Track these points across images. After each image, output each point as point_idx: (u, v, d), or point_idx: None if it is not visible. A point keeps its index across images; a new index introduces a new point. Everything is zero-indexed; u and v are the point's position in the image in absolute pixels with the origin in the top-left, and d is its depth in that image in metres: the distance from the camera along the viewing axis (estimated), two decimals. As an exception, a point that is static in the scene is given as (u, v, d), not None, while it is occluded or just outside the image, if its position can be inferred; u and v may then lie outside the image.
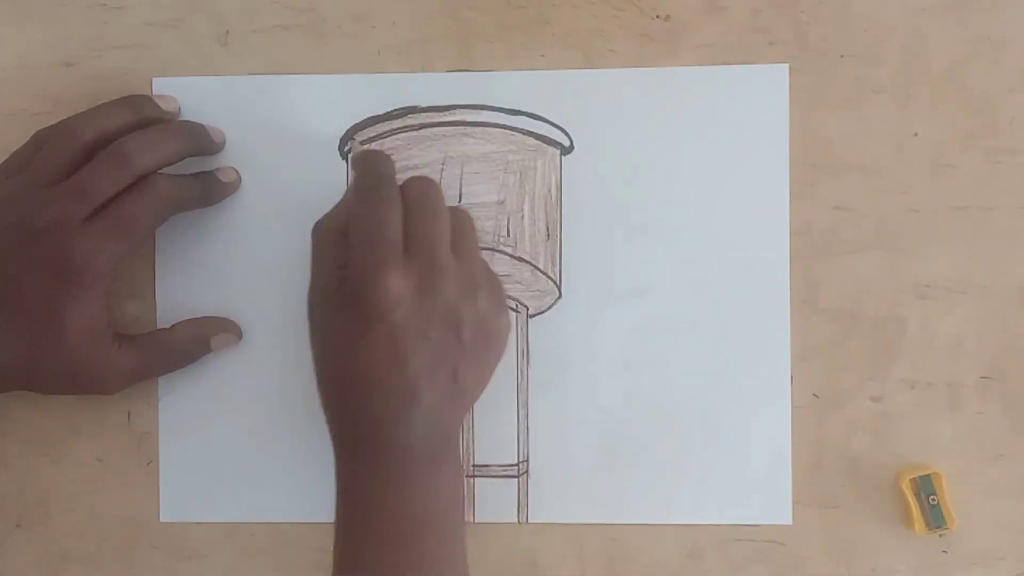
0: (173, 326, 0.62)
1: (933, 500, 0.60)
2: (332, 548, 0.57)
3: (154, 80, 0.63)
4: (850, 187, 0.61)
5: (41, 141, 0.59)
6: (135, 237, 0.59)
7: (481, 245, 0.61)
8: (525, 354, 0.62)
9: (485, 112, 0.62)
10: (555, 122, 0.62)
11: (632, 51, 0.62)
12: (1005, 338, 0.61)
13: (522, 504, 0.63)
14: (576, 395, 0.62)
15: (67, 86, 0.63)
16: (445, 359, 0.55)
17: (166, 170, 0.60)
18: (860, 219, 0.61)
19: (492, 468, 0.62)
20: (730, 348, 0.62)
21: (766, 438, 0.62)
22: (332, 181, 0.63)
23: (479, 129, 0.62)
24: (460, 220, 0.58)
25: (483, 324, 0.56)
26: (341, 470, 0.57)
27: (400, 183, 0.58)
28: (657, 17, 0.62)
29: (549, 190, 0.62)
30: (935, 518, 0.60)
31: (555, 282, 0.62)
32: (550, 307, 0.62)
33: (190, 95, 0.63)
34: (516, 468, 0.63)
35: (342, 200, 0.59)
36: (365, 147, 0.62)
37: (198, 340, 0.62)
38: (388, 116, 0.63)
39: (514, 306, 0.62)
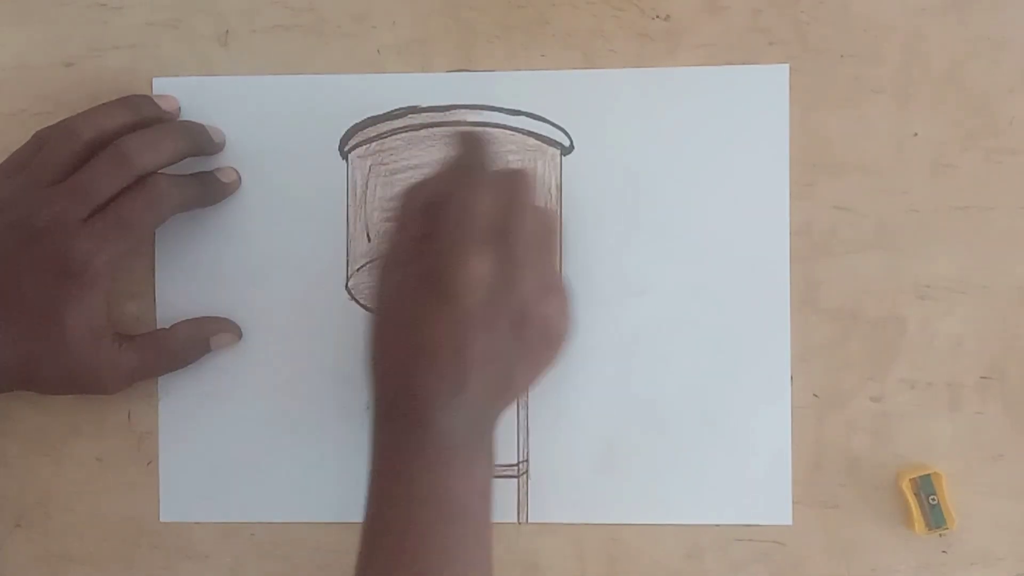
0: (173, 326, 0.62)
1: (933, 500, 0.60)
2: (361, 525, 0.56)
3: (154, 80, 0.63)
4: (850, 187, 0.61)
5: (41, 141, 0.59)
6: (135, 237, 0.59)
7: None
8: (525, 354, 0.62)
9: (485, 112, 0.62)
10: (555, 122, 0.62)
11: (632, 51, 0.62)
12: (1005, 338, 0.61)
13: (522, 504, 0.63)
14: (576, 395, 0.62)
15: (67, 86, 0.63)
16: (502, 353, 0.55)
17: (166, 170, 0.60)
18: (860, 219, 0.61)
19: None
20: (730, 348, 0.62)
21: (766, 438, 0.62)
22: (332, 181, 0.63)
23: (479, 129, 0.62)
24: (549, 220, 0.58)
25: (547, 327, 0.56)
26: (378, 448, 0.57)
27: (499, 170, 0.57)
28: (657, 17, 0.62)
29: (549, 190, 0.62)
30: (935, 518, 0.60)
31: (555, 282, 0.62)
32: (550, 307, 0.62)
33: (190, 95, 0.63)
34: (516, 468, 0.63)
35: (436, 174, 0.58)
36: (470, 128, 0.61)
37: (198, 340, 0.62)
38: (388, 116, 0.63)
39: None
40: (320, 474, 0.63)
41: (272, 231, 0.63)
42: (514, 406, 0.62)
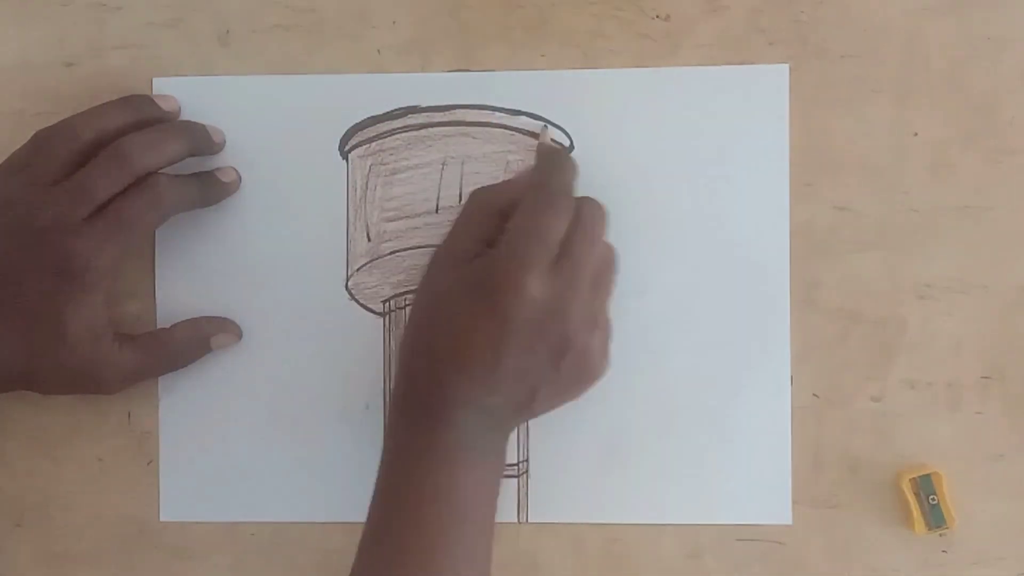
0: (173, 326, 0.62)
1: (933, 500, 0.60)
2: (367, 513, 0.57)
3: (154, 80, 0.63)
4: (850, 187, 0.61)
5: (41, 141, 0.59)
6: (135, 237, 0.59)
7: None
8: (525, 354, 0.62)
9: (485, 112, 0.62)
10: (555, 122, 0.62)
11: (632, 51, 0.62)
12: (1005, 338, 0.61)
13: (522, 504, 0.63)
14: (576, 395, 0.62)
15: (67, 86, 0.63)
16: (534, 375, 0.55)
17: (166, 170, 0.60)
18: (860, 219, 0.61)
19: (492, 468, 0.62)
20: (730, 348, 0.62)
21: (766, 438, 0.62)
22: (332, 181, 0.63)
23: (479, 129, 0.62)
24: (609, 256, 0.58)
25: (585, 361, 0.56)
26: (394, 441, 0.57)
27: (578, 197, 0.58)
28: (657, 17, 0.62)
29: (549, 190, 0.62)
30: (935, 518, 0.60)
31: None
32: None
33: (190, 95, 0.63)
34: (516, 468, 0.63)
35: (514, 180, 0.59)
36: (554, 143, 0.61)
37: (198, 340, 0.62)
38: (388, 116, 0.63)
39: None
40: (320, 474, 0.63)
41: (272, 231, 0.63)
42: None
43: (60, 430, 0.64)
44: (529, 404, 0.56)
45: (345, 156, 0.63)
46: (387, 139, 0.63)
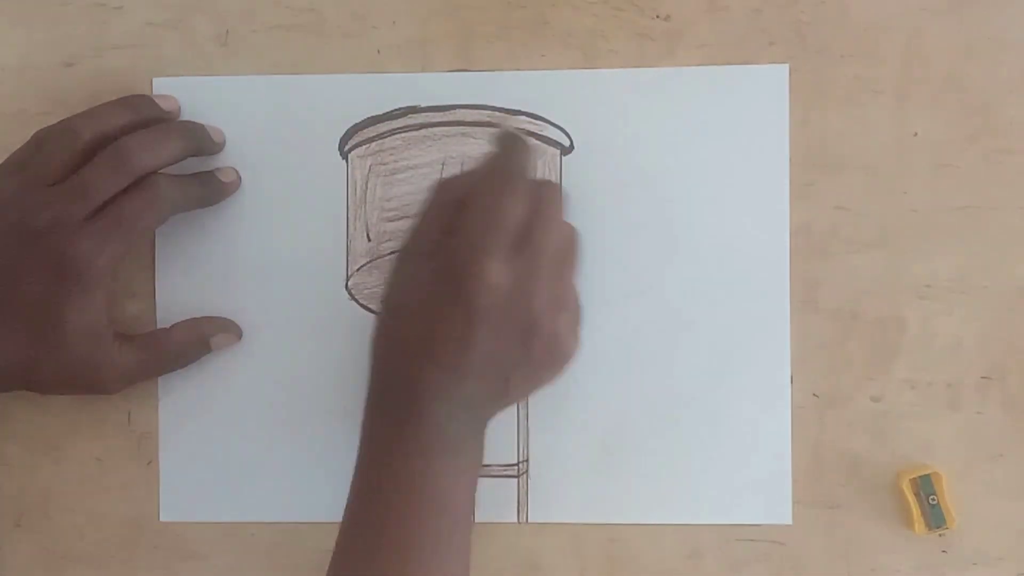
0: (173, 326, 0.62)
1: (933, 500, 0.60)
2: (344, 511, 0.57)
3: (154, 80, 0.63)
4: (850, 187, 0.61)
5: (41, 141, 0.59)
6: (135, 237, 0.59)
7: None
8: (525, 354, 0.62)
9: (485, 112, 0.62)
10: (555, 122, 0.62)
11: (632, 51, 0.62)
12: (1005, 338, 0.61)
13: (522, 504, 0.63)
14: (576, 395, 0.62)
15: (67, 86, 0.63)
16: (504, 360, 0.55)
17: (166, 170, 0.60)
18: (860, 219, 0.61)
19: (492, 468, 0.62)
20: (730, 348, 0.62)
21: (766, 438, 0.62)
22: (332, 181, 0.63)
23: (479, 129, 0.62)
24: (571, 238, 0.58)
25: (553, 343, 0.56)
26: (367, 434, 0.57)
27: (533, 179, 0.57)
28: (657, 17, 0.62)
29: (549, 190, 0.62)
30: (935, 518, 0.60)
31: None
32: (550, 307, 0.62)
33: (190, 95, 0.63)
34: (516, 468, 0.63)
35: (471, 170, 0.59)
36: (513, 128, 0.61)
37: (198, 340, 0.62)
38: (388, 116, 0.63)
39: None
40: (320, 474, 0.63)
41: (272, 231, 0.63)
42: (512, 408, 0.62)
43: (60, 430, 0.64)
44: (503, 391, 0.56)
45: (345, 156, 0.63)
46: (387, 139, 0.63)
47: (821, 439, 0.62)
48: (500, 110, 0.62)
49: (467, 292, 0.54)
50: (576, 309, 0.58)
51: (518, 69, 0.62)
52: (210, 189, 0.62)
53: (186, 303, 0.63)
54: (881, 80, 0.61)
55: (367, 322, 0.58)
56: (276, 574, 0.63)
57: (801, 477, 0.62)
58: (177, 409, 0.63)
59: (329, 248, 0.63)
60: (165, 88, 0.63)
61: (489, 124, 0.62)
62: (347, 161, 0.63)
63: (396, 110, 0.63)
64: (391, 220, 0.63)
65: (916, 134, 0.61)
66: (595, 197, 0.62)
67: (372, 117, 0.63)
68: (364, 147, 0.63)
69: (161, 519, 0.63)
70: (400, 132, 0.63)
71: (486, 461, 0.62)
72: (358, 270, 0.63)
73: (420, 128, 0.63)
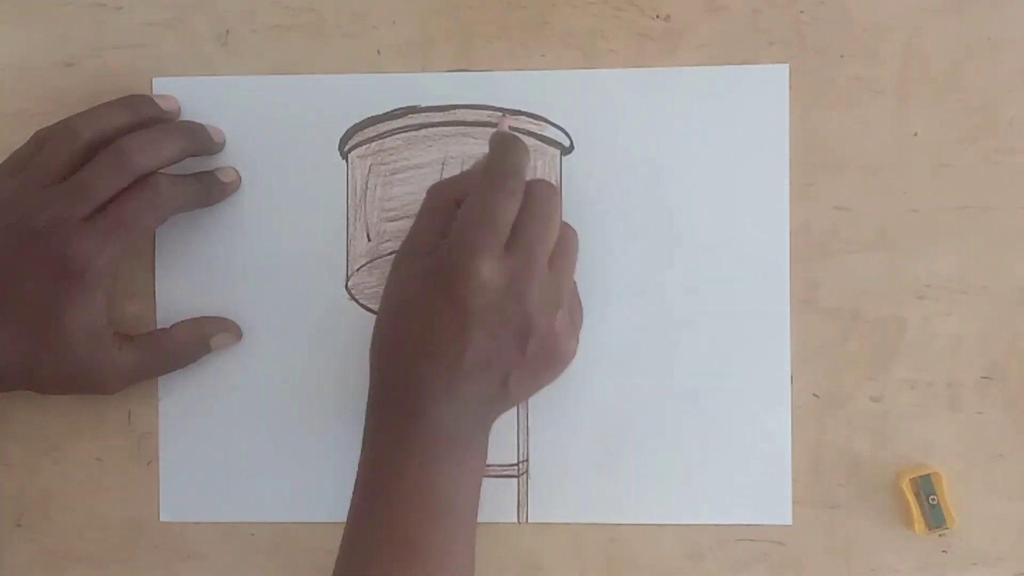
0: (173, 326, 0.62)
1: (933, 500, 0.60)
2: (348, 513, 0.57)
3: (154, 80, 0.63)
4: (850, 187, 0.61)
5: (41, 141, 0.59)
6: (135, 237, 0.59)
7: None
8: (525, 354, 0.62)
9: (485, 112, 0.62)
10: (555, 122, 0.62)
11: (632, 51, 0.62)
12: (1005, 338, 0.61)
13: (522, 504, 0.63)
14: (576, 395, 0.62)
15: (67, 86, 0.63)
16: (501, 361, 0.55)
17: (166, 170, 0.60)
18: (860, 219, 0.61)
19: (492, 468, 0.62)
20: (730, 348, 0.62)
21: (766, 438, 0.62)
22: (332, 181, 0.63)
23: (479, 129, 0.62)
24: (567, 237, 0.58)
25: (550, 342, 0.56)
26: (370, 437, 0.57)
27: (529, 180, 0.57)
28: (657, 17, 0.62)
29: (549, 190, 0.62)
30: (935, 518, 0.60)
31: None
32: (550, 307, 0.62)
33: (190, 95, 0.63)
34: (516, 468, 0.63)
35: (467, 172, 0.59)
36: (507, 130, 0.61)
37: (198, 340, 0.62)
38: (388, 116, 0.63)
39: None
40: (320, 474, 0.63)
41: (272, 231, 0.63)
42: (512, 409, 0.62)
43: (60, 430, 0.64)
44: (503, 392, 0.56)
45: (345, 156, 0.63)
46: (387, 139, 0.63)
47: (821, 439, 0.62)
48: (500, 110, 0.62)
49: (460, 293, 0.54)
50: (574, 307, 0.58)
51: (518, 69, 0.62)
52: (210, 189, 0.62)
53: (186, 303, 0.63)
54: (881, 80, 0.61)
55: (367, 322, 0.58)
56: (276, 574, 0.63)
57: (801, 477, 0.62)
58: (177, 409, 0.63)
59: (329, 248, 0.63)
60: (165, 88, 0.63)
61: (489, 124, 0.62)
62: (347, 161, 0.63)
63: (396, 110, 0.63)
64: (391, 220, 0.63)
65: (916, 134, 0.61)
66: (595, 197, 0.62)
67: (372, 117, 0.63)
68: (364, 147, 0.63)
69: (161, 519, 0.63)
70: (400, 132, 0.63)
71: (486, 461, 0.62)
72: (358, 270, 0.63)
73: (420, 128, 0.63)
